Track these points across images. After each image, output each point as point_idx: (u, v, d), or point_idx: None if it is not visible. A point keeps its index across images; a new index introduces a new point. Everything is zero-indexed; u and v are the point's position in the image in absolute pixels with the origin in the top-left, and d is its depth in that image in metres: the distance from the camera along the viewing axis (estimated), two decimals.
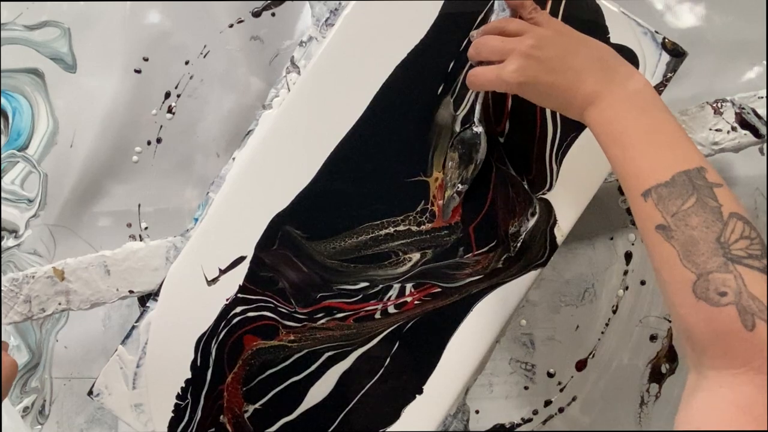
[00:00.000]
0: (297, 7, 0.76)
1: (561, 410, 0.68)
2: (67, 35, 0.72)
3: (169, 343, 0.58)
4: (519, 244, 0.58)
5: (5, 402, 0.71)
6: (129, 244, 0.62)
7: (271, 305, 0.58)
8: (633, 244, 0.76)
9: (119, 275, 0.61)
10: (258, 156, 0.58)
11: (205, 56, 0.72)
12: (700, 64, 0.75)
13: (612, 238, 0.76)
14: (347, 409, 0.58)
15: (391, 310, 0.58)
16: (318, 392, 0.58)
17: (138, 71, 0.71)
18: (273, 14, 0.75)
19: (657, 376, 0.76)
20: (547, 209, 0.58)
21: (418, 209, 0.58)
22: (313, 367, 0.58)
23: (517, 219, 0.58)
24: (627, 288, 0.76)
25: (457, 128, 0.57)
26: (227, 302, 0.58)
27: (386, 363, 0.58)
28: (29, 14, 0.72)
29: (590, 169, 0.58)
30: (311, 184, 0.58)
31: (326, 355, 0.58)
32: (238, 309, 0.58)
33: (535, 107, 0.57)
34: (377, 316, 0.58)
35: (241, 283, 0.58)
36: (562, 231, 0.58)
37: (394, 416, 0.58)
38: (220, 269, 0.58)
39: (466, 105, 0.57)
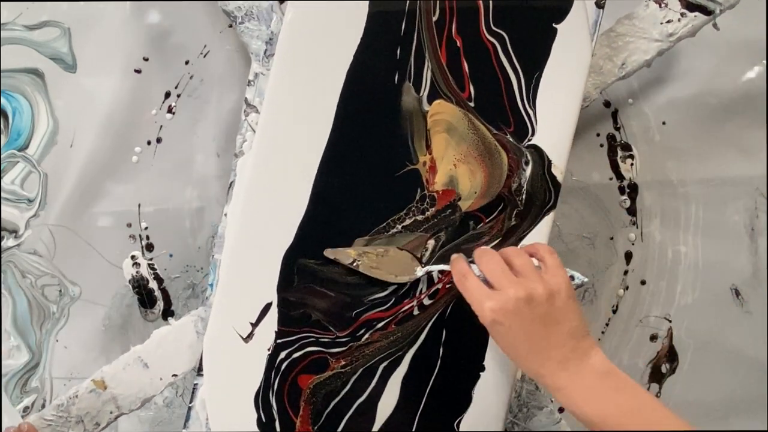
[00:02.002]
0: None
1: (561, 410, 0.68)
2: (67, 35, 0.72)
3: (229, 412, 0.58)
4: (524, 197, 0.58)
5: (5, 402, 0.71)
6: (156, 332, 0.61)
7: (312, 339, 0.58)
8: (633, 244, 0.76)
9: (158, 364, 0.61)
10: (248, 205, 0.57)
11: (205, 56, 0.72)
12: (700, 64, 0.75)
13: (612, 238, 0.76)
14: (420, 410, 0.58)
15: (427, 301, 0.58)
16: (386, 405, 0.58)
17: (138, 71, 0.71)
18: None
19: (657, 376, 0.76)
20: (539, 154, 0.58)
21: (417, 198, 0.58)
22: (373, 383, 0.58)
23: (515, 174, 0.58)
24: (627, 288, 0.76)
25: (426, 107, 0.57)
26: (270, 352, 0.58)
27: (441, 353, 0.58)
28: (29, 14, 0.72)
29: (564, 99, 0.58)
30: (308, 211, 0.57)
31: (381, 366, 0.58)
32: (282, 354, 0.58)
33: (491, 63, 0.57)
34: (415, 312, 0.58)
35: (276, 329, 0.57)
36: (559, 169, 0.58)
37: (467, 400, 0.58)
38: (251, 324, 0.57)
39: (426, 82, 0.57)
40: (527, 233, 0.58)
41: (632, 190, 0.77)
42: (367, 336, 0.58)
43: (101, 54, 0.71)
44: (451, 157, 0.57)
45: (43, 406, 0.73)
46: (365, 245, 0.57)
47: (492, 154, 0.58)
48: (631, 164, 0.76)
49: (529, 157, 0.58)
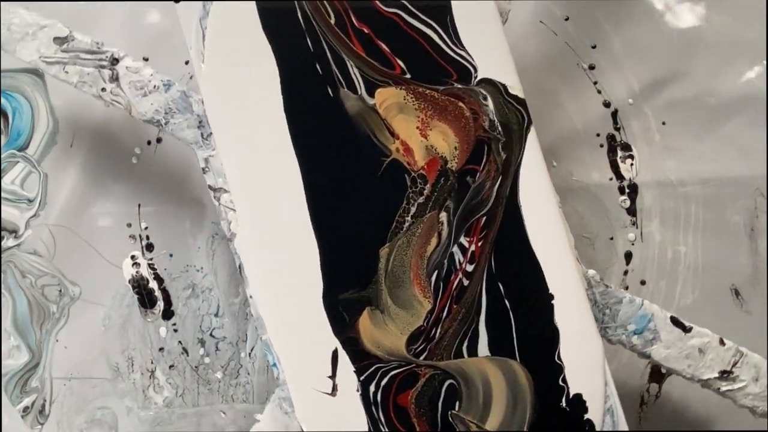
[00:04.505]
0: None
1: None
2: None
3: None
4: (499, 127, 0.58)
5: (5, 402, 0.71)
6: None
7: (392, 361, 0.58)
8: (633, 244, 0.76)
9: None
10: (267, 278, 0.57)
11: None
12: (700, 64, 0.75)
13: (612, 238, 0.76)
14: (518, 363, 0.58)
15: (469, 268, 0.57)
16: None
17: None
18: None
19: (657, 376, 0.76)
20: (491, 84, 0.58)
21: (409, 183, 0.57)
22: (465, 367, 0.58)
23: (480, 113, 0.58)
24: (627, 288, 0.76)
25: (370, 101, 0.57)
26: (359, 392, 0.57)
27: (507, 305, 0.57)
28: None
29: (485, 25, 0.58)
30: (320, 249, 0.56)
31: (464, 347, 0.57)
32: (372, 387, 0.57)
33: (404, 31, 0.57)
34: (465, 283, 0.57)
35: (353, 368, 0.57)
36: (516, 87, 0.58)
37: (554, 332, 0.58)
38: (329, 377, 0.57)
39: (357, 80, 0.57)
40: (521, 158, 0.58)
41: (632, 190, 0.77)
42: (437, 330, 0.58)
43: None
44: (416, 131, 0.57)
45: (43, 406, 0.73)
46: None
47: (449, 108, 0.58)
48: (631, 164, 0.76)
49: (484, 92, 0.58)
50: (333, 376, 0.57)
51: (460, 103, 0.58)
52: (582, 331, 0.58)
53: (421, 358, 0.57)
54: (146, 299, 0.73)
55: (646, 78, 0.75)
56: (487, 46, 0.58)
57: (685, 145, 0.76)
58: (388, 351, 0.57)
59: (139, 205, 0.72)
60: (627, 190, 0.76)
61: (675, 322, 0.60)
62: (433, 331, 0.57)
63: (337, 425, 0.57)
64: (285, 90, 0.56)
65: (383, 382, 0.57)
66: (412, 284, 0.57)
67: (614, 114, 0.76)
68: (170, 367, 0.74)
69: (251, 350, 0.75)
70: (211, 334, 0.74)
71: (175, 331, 0.74)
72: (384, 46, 0.57)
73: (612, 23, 0.75)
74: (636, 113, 0.76)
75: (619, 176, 0.76)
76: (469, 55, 0.58)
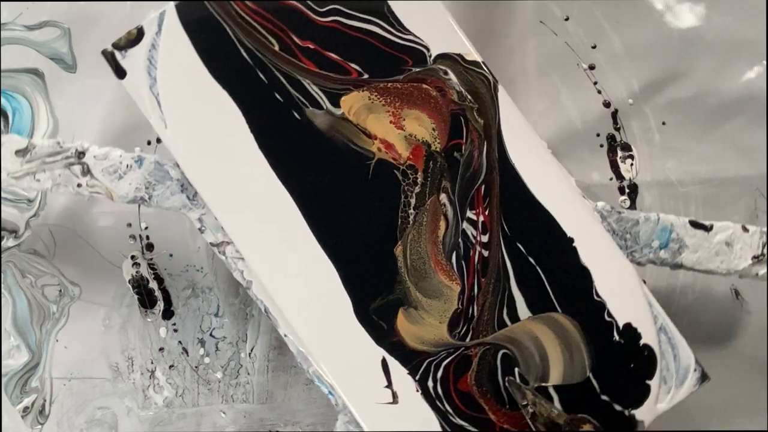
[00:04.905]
0: None
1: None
2: (67, 35, 0.72)
3: None
4: (468, 96, 0.58)
5: (5, 402, 0.71)
6: None
7: (441, 353, 0.58)
8: None
9: None
10: (296, 313, 0.57)
11: None
12: (700, 64, 0.75)
13: None
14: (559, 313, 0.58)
15: (485, 239, 0.58)
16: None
17: None
18: None
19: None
20: (446, 58, 0.58)
21: (401, 177, 0.58)
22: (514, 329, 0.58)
23: (446, 89, 0.58)
24: None
25: (338, 112, 0.57)
26: (419, 392, 0.57)
27: (532, 261, 0.58)
28: (29, 14, 0.72)
29: (421, 4, 0.58)
30: (339, 271, 0.57)
31: (504, 316, 0.57)
32: (430, 383, 0.57)
33: (348, 34, 0.57)
34: (486, 254, 0.57)
35: (406, 371, 0.57)
36: (470, 53, 0.58)
37: (584, 271, 0.58)
38: (386, 387, 0.57)
39: (318, 95, 0.57)
40: (499, 118, 0.58)
41: (632, 190, 0.77)
42: (475, 307, 0.58)
43: (101, 54, 0.71)
44: (391, 125, 0.57)
45: (43, 406, 0.73)
46: (533, 394, 0.57)
47: (415, 94, 0.58)
48: (631, 164, 0.76)
49: (443, 67, 0.58)
50: (389, 385, 0.57)
51: (424, 86, 0.58)
52: (610, 262, 0.58)
53: (467, 339, 0.57)
54: (146, 299, 0.73)
55: (646, 78, 0.75)
56: (432, 23, 0.58)
57: (685, 145, 0.76)
58: (434, 343, 0.57)
59: (139, 205, 0.72)
60: (627, 190, 0.76)
61: (695, 224, 0.61)
62: (470, 310, 0.57)
63: (410, 429, 0.57)
64: (253, 128, 0.56)
65: (439, 375, 0.57)
66: (436, 272, 0.57)
67: (614, 114, 0.76)
68: (170, 367, 0.74)
69: (251, 350, 0.75)
70: (211, 334, 0.74)
71: (175, 331, 0.74)
72: (334, 56, 0.57)
73: (612, 23, 0.75)
74: (636, 113, 0.76)
75: (619, 176, 0.76)
76: (417, 37, 0.58)
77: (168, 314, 0.74)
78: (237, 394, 0.75)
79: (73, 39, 0.72)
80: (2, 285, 0.71)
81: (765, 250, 0.60)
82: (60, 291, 0.72)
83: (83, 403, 0.73)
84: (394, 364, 0.57)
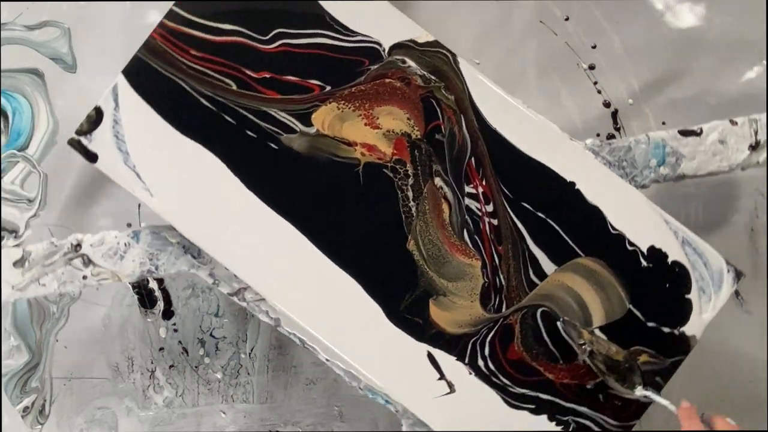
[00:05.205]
0: None
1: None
2: (67, 35, 0.72)
3: None
4: (432, 77, 0.59)
5: (5, 402, 0.71)
6: None
7: (482, 330, 0.59)
8: None
9: None
10: (333, 336, 0.58)
11: None
12: (700, 64, 0.75)
13: None
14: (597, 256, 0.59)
15: (490, 208, 0.59)
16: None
17: None
18: None
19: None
20: (400, 47, 0.59)
21: (391, 174, 0.58)
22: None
23: (409, 77, 0.59)
24: None
25: (313, 129, 0.58)
26: (473, 374, 0.58)
27: (544, 217, 0.59)
28: (29, 14, 0.72)
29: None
30: (361, 282, 0.58)
31: (531, 276, 0.58)
32: (480, 363, 0.58)
33: (299, 53, 0.59)
34: (495, 222, 0.58)
35: (454, 358, 0.58)
36: (422, 34, 0.59)
37: (597, 212, 0.59)
38: (440, 378, 0.58)
39: (289, 120, 0.58)
40: (468, 89, 0.59)
41: None
42: (500, 276, 0.58)
43: (101, 54, 0.71)
44: (367, 128, 0.58)
45: (43, 406, 0.73)
46: (590, 334, 0.58)
47: (380, 90, 0.59)
48: None
49: (399, 57, 0.59)
50: (442, 376, 0.58)
51: (387, 80, 0.59)
52: (616, 193, 0.59)
53: (503, 309, 0.58)
54: (146, 299, 0.73)
55: (646, 78, 0.75)
56: (376, 17, 0.59)
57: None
58: (472, 323, 0.58)
59: (139, 205, 0.72)
60: None
61: (684, 133, 0.62)
62: (497, 281, 0.58)
63: (475, 412, 0.58)
64: (235, 170, 0.57)
65: (486, 352, 0.58)
66: (453, 254, 0.58)
67: (614, 114, 0.76)
68: (170, 367, 0.74)
69: (251, 350, 0.75)
70: (211, 334, 0.74)
71: (175, 331, 0.74)
72: (292, 78, 0.58)
73: (612, 23, 0.75)
74: (636, 113, 0.76)
75: None
76: (366, 36, 0.59)
77: (168, 314, 0.74)
78: (237, 394, 0.75)
79: (73, 39, 0.72)
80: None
81: (757, 136, 0.61)
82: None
83: (83, 403, 0.73)
84: (440, 354, 0.58)
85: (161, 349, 0.74)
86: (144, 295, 0.73)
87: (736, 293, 0.77)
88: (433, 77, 0.59)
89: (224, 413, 0.75)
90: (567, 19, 0.75)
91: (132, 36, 0.71)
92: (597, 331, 0.58)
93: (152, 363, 0.74)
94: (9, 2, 0.72)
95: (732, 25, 0.74)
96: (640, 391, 0.56)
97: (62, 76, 0.72)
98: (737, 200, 0.76)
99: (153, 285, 0.73)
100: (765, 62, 0.76)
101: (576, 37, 0.75)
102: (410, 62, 0.59)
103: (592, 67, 0.75)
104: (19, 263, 0.57)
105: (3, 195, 0.71)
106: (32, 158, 0.72)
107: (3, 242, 0.72)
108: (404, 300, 0.58)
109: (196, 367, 0.74)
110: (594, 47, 0.75)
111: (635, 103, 0.76)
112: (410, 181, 0.58)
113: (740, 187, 0.76)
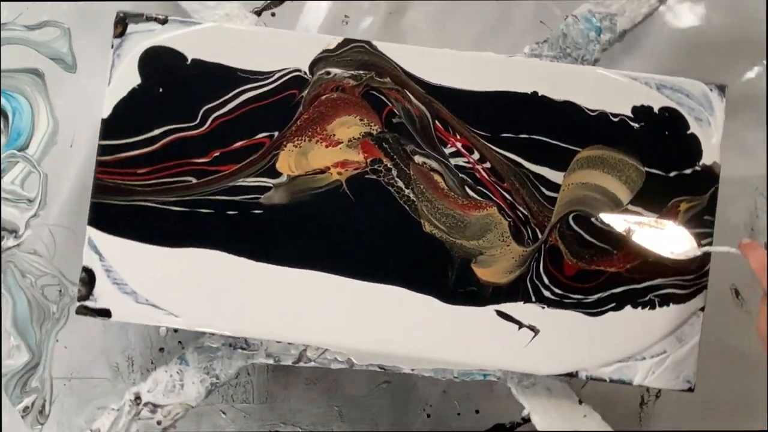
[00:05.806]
0: (297, 7, 0.76)
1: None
2: (67, 35, 0.72)
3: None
4: (360, 72, 0.59)
5: (5, 402, 0.71)
6: None
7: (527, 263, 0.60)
8: None
9: None
10: (407, 344, 0.59)
11: None
12: (700, 64, 0.75)
13: None
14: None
15: (477, 156, 0.59)
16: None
17: None
18: (273, 14, 0.75)
19: None
20: (319, 61, 0.59)
21: (375, 177, 0.59)
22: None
23: (343, 84, 0.59)
24: None
25: (284, 179, 0.59)
26: (545, 306, 0.59)
27: (526, 137, 0.59)
28: (29, 14, 0.72)
29: (250, 35, 0.59)
30: (404, 284, 0.59)
31: (546, 193, 0.59)
32: (547, 293, 0.59)
33: (235, 124, 0.59)
34: (489, 165, 0.59)
35: (521, 303, 0.59)
36: (332, 41, 0.59)
37: (607, 116, 0.60)
38: (519, 329, 0.59)
39: (259, 180, 0.59)
40: (398, 65, 0.59)
41: None
42: (519, 210, 0.59)
43: (101, 54, 0.71)
44: (329, 148, 0.59)
45: (43, 406, 0.73)
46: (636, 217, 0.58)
47: (323, 109, 0.59)
48: None
49: (323, 70, 0.59)
50: (521, 325, 0.59)
51: (323, 97, 0.59)
52: (576, 81, 0.59)
53: (539, 235, 0.59)
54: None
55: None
56: (282, 46, 0.59)
57: None
58: (519, 263, 0.59)
59: None
60: None
61: None
62: (518, 215, 0.59)
63: (566, 339, 0.59)
64: (237, 252, 0.58)
65: (546, 281, 0.59)
66: (468, 214, 0.59)
67: None
68: None
69: None
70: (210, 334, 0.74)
71: (175, 331, 0.74)
72: (239, 144, 0.59)
73: None
74: None
75: None
76: (282, 69, 0.59)
77: None
78: (237, 394, 0.75)
79: (73, 39, 0.72)
80: (2, 285, 0.72)
81: None
82: (60, 291, 0.72)
83: (83, 403, 0.73)
84: (508, 307, 0.59)
85: (161, 349, 0.74)
86: None
87: (737, 293, 0.77)
88: (361, 71, 0.59)
89: (224, 413, 0.75)
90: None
91: None
92: (630, 207, 0.59)
93: (152, 363, 0.74)
94: (9, 2, 0.72)
95: (732, 25, 0.74)
96: (693, 252, 0.57)
97: (62, 76, 0.72)
98: (737, 200, 0.76)
99: None
100: (765, 62, 0.76)
101: None
102: (334, 70, 0.59)
103: None
104: None
105: (3, 195, 0.71)
106: (32, 158, 0.72)
107: (3, 242, 0.72)
108: (449, 278, 0.58)
109: None
110: None
111: None
112: (394, 172, 0.59)
113: (740, 187, 0.76)
